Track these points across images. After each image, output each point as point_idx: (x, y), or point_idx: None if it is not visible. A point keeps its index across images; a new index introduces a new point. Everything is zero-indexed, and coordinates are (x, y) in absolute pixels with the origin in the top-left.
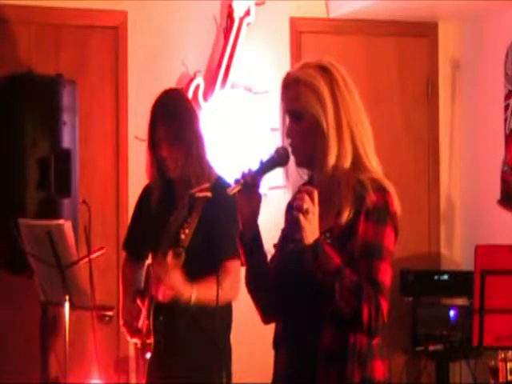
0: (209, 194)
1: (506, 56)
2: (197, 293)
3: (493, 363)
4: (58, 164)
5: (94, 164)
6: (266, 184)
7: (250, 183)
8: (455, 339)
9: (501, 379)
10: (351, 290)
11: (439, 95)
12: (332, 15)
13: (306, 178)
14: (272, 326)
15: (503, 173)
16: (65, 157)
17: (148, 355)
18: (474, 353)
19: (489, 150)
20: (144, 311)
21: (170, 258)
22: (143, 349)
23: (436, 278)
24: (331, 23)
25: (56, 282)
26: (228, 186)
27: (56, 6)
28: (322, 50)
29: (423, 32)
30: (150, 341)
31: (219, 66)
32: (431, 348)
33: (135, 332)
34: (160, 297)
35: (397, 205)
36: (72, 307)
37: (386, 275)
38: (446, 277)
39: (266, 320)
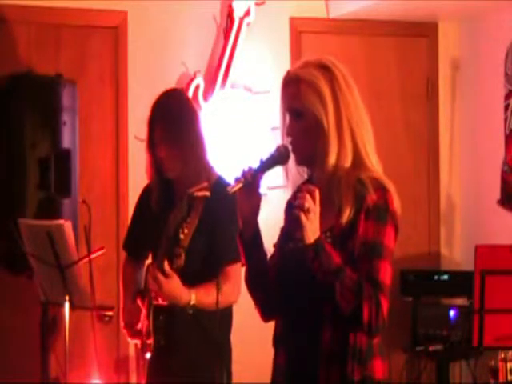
0: (208, 193)
1: (506, 56)
2: (195, 297)
3: (493, 363)
4: (57, 164)
5: (94, 164)
6: (265, 183)
7: (251, 181)
8: (455, 339)
9: (501, 379)
10: (352, 289)
11: (439, 95)
12: (332, 15)
13: (305, 176)
14: (272, 326)
15: (503, 173)
16: (65, 157)
17: (148, 355)
18: (473, 353)
19: (489, 150)
20: (144, 311)
21: (166, 265)
22: (143, 349)
23: (436, 278)
24: (331, 23)
25: (56, 282)
26: (228, 185)
27: (56, 6)
28: (322, 49)
29: (423, 32)
30: (150, 341)
31: (219, 66)
32: (431, 348)
33: (136, 333)
34: (159, 300)
35: (397, 204)
36: (72, 307)
37: (387, 274)
38: (445, 277)
39: (265, 318)
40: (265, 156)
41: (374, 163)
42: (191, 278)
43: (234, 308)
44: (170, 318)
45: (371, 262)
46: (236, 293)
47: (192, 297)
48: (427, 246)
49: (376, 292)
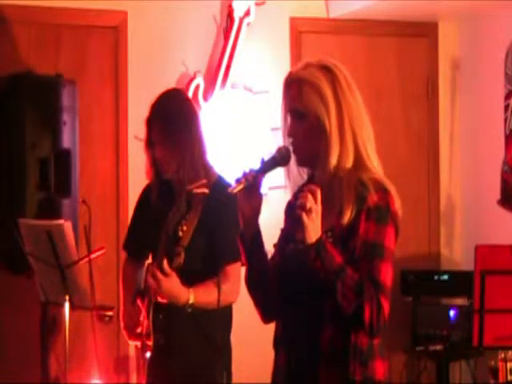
0: (206, 190)
1: (506, 56)
2: (194, 297)
3: (493, 363)
4: (57, 164)
5: (94, 164)
6: (266, 184)
7: (251, 182)
8: (455, 339)
9: (501, 379)
10: (353, 289)
11: (439, 95)
12: (332, 15)
13: (305, 177)
14: (272, 326)
15: (503, 173)
16: (65, 157)
17: (148, 354)
18: (473, 353)
19: (489, 150)
20: (144, 312)
21: (165, 264)
22: (143, 349)
23: (436, 278)
24: (331, 23)
25: (56, 282)
26: (228, 185)
27: (56, 5)
28: (322, 50)
29: (423, 32)
30: (150, 342)
31: (219, 66)
32: (431, 348)
33: (135, 335)
34: (159, 298)
35: (398, 205)
36: (72, 307)
37: (388, 275)
38: (445, 277)
39: (265, 319)
40: (266, 156)
41: (375, 164)
42: (191, 278)
43: (234, 308)
44: (169, 318)
45: (372, 263)
46: (235, 292)
47: (191, 296)
48: (427, 246)
49: (377, 293)
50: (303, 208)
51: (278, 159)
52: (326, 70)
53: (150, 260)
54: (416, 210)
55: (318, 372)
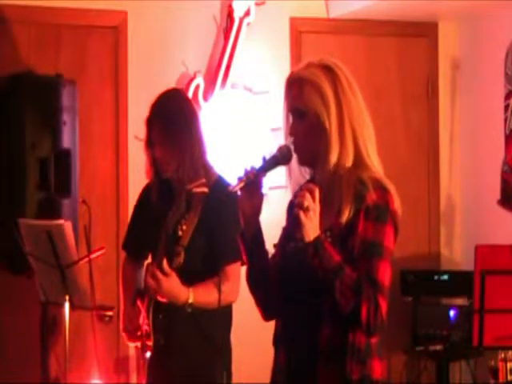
0: (206, 190)
1: (506, 56)
2: (194, 296)
3: (493, 363)
4: (58, 164)
5: (94, 164)
6: (266, 183)
7: (252, 180)
8: (455, 339)
9: (501, 379)
10: (351, 287)
11: (439, 95)
12: (332, 15)
13: (307, 177)
14: (272, 326)
15: (503, 173)
16: (65, 157)
17: (148, 354)
18: (473, 353)
19: (489, 150)
20: (143, 312)
21: (164, 264)
22: (143, 349)
23: (436, 278)
24: (331, 23)
25: (56, 282)
26: (229, 185)
27: (56, 5)
28: (322, 49)
29: (423, 32)
30: (150, 342)
31: (219, 65)
32: (431, 348)
33: (135, 338)
34: (158, 298)
35: (397, 204)
36: (72, 307)
37: (386, 274)
38: (445, 277)
39: (266, 317)
40: (267, 155)
41: (376, 164)
42: (190, 277)
43: (234, 308)
44: (169, 318)
45: (370, 262)
46: (235, 292)
47: (190, 295)
48: (427, 246)
49: (375, 292)
50: (301, 206)
51: (279, 158)
52: (327, 69)
53: (149, 260)
54: (416, 209)
55: (316, 370)
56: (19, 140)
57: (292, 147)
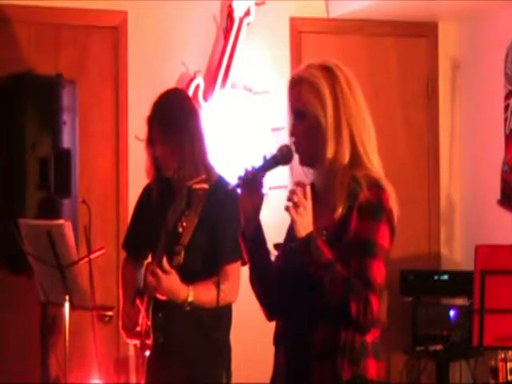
0: (206, 186)
1: (506, 56)
2: (193, 295)
3: (493, 363)
4: (57, 164)
5: (94, 164)
6: (266, 183)
7: (251, 179)
8: (455, 339)
9: (501, 379)
10: (340, 284)
11: (439, 95)
12: (332, 15)
13: (311, 177)
14: (271, 326)
15: (503, 173)
16: (65, 157)
17: (147, 353)
18: (473, 353)
19: (489, 150)
20: (143, 311)
21: (164, 261)
22: (142, 348)
23: (436, 277)
24: (331, 23)
25: (56, 282)
26: (229, 185)
27: (56, 6)
28: (322, 49)
29: (423, 32)
30: (149, 341)
31: (219, 65)
32: (431, 348)
33: (134, 335)
34: (158, 295)
35: (393, 203)
36: (72, 307)
37: (379, 273)
38: (446, 277)
39: (269, 317)
40: (268, 155)
41: (375, 164)
42: (190, 276)
43: (234, 308)
44: (169, 316)
45: (363, 260)
46: (235, 292)
47: (190, 294)
48: (427, 246)
49: (366, 290)
50: (291, 202)
51: (279, 158)
52: (327, 69)
53: (149, 260)
54: (416, 209)
55: (311, 369)
56: (19, 140)
57: (293, 148)
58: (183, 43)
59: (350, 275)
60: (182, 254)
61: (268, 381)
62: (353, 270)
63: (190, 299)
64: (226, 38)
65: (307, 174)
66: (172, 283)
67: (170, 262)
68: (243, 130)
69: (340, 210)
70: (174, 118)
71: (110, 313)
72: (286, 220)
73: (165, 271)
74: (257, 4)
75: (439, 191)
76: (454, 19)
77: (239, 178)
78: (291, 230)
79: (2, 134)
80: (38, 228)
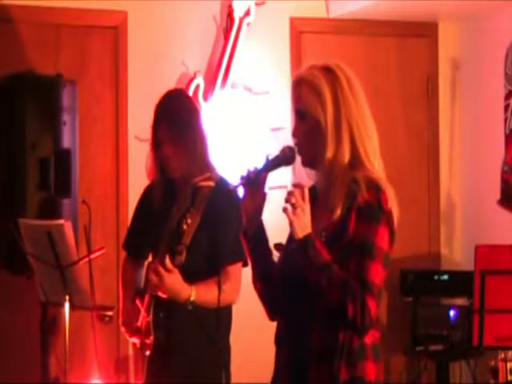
0: (212, 184)
1: (506, 56)
2: (196, 294)
3: (493, 363)
4: (57, 164)
5: (94, 164)
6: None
7: (253, 179)
8: (455, 339)
9: (501, 379)
10: (337, 286)
11: (439, 95)
12: (332, 15)
13: (313, 178)
14: (272, 327)
15: (503, 173)
16: (65, 157)
17: (147, 353)
18: (474, 353)
19: (489, 150)
20: (143, 312)
21: (167, 260)
22: (142, 348)
23: (436, 277)
24: (331, 23)
25: (56, 282)
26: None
27: (56, 5)
28: (322, 49)
29: (423, 32)
30: (149, 340)
31: (219, 65)
32: (431, 348)
33: (134, 331)
34: (159, 294)
35: (392, 204)
36: (72, 307)
37: (377, 274)
38: (445, 277)
39: (271, 317)
40: (271, 155)
41: (376, 166)
42: (192, 277)
43: (234, 308)
44: (170, 316)
45: (361, 262)
46: (236, 292)
47: (192, 293)
48: (427, 246)
49: (363, 292)
50: (289, 204)
51: (282, 159)
52: (328, 70)
53: (149, 260)
54: (416, 209)
55: (309, 370)
56: (19, 140)
57: (295, 149)
58: (183, 43)
59: (348, 277)
60: (184, 253)
61: (268, 381)
62: (351, 271)
63: (192, 298)
64: (226, 38)
65: (310, 175)
66: (174, 282)
67: (171, 261)
68: (243, 130)
69: (338, 212)
70: (181, 118)
71: (109, 313)
72: (286, 220)
73: (167, 270)
74: (257, 4)
75: (439, 191)
76: (454, 19)
77: (241, 178)
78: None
79: (2, 134)
80: (37, 228)
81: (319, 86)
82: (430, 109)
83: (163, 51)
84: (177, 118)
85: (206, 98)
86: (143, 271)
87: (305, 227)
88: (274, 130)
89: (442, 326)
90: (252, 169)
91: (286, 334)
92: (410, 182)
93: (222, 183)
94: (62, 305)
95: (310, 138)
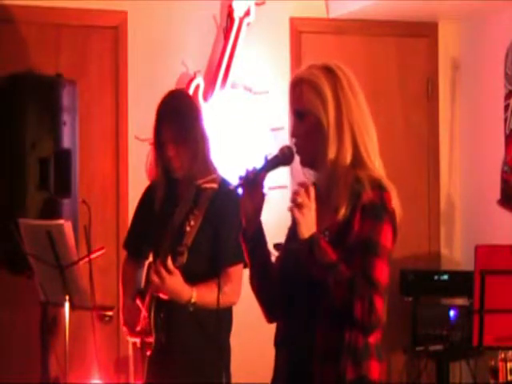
0: (215, 186)
1: (506, 56)
2: (196, 295)
3: (493, 363)
4: (57, 164)
5: (94, 164)
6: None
7: (252, 179)
8: (455, 339)
9: (501, 379)
10: (345, 285)
11: (439, 95)
12: (332, 15)
13: (312, 178)
14: (271, 327)
15: (503, 173)
16: (65, 157)
17: (148, 353)
18: (474, 353)
19: (489, 150)
20: (144, 311)
21: (169, 261)
22: (143, 348)
23: (436, 277)
24: (331, 23)
25: (56, 282)
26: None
27: (56, 5)
28: (322, 49)
29: (423, 32)
30: (150, 340)
31: (219, 65)
32: (431, 348)
33: (136, 332)
34: (160, 295)
35: (395, 203)
36: (72, 307)
37: (382, 273)
38: (445, 277)
39: (270, 319)
40: (270, 155)
41: (377, 165)
42: (193, 278)
43: (234, 308)
44: (171, 317)
45: (366, 260)
46: (236, 294)
47: (193, 294)
48: (427, 246)
49: (370, 290)
50: (295, 203)
51: (281, 159)
52: (328, 70)
53: (150, 260)
54: (416, 209)
55: (313, 370)
56: (19, 140)
57: (294, 149)
58: (183, 43)
59: (354, 276)
60: (186, 254)
61: (268, 381)
62: (356, 270)
63: (193, 300)
64: (226, 38)
65: (307, 175)
66: (176, 284)
67: (173, 261)
68: (243, 130)
69: (343, 211)
70: (184, 118)
71: (110, 313)
72: (286, 220)
73: (169, 271)
74: (257, 4)
75: (439, 191)
76: (454, 19)
77: (240, 179)
78: (291, 231)
79: (2, 134)
80: (37, 228)
81: (320, 85)
82: (430, 109)
83: (163, 51)
84: (180, 117)
85: (206, 98)
86: (144, 271)
87: (310, 227)
88: (273, 129)
89: (442, 326)
90: (251, 169)
91: (285, 335)
92: (410, 182)
93: (224, 185)
94: (62, 305)
95: (310, 137)
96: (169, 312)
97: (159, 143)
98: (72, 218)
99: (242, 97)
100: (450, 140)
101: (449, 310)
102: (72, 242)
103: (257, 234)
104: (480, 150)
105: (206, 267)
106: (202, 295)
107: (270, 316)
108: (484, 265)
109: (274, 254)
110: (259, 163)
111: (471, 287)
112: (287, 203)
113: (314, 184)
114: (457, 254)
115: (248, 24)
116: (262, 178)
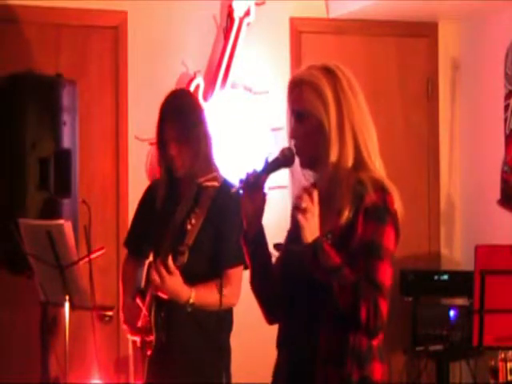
0: (216, 184)
1: (506, 56)
2: (195, 296)
3: (493, 363)
4: (57, 164)
5: (94, 164)
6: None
7: (253, 182)
8: (455, 339)
9: (501, 379)
10: (349, 289)
11: (439, 95)
12: (332, 15)
13: (311, 179)
14: (271, 327)
15: (503, 173)
16: (65, 157)
17: (148, 353)
18: (474, 353)
19: (489, 150)
20: (144, 310)
21: (169, 261)
22: (143, 347)
23: (436, 277)
24: (331, 23)
25: (56, 282)
26: (232, 187)
27: (56, 5)
28: (322, 50)
29: (423, 32)
30: (150, 339)
31: (219, 65)
32: (431, 348)
33: (136, 330)
34: (160, 294)
35: (398, 205)
36: (72, 307)
37: (386, 275)
38: (445, 277)
39: (270, 320)
40: (270, 157)
41: (377, 166)
42: (194, 279)
43: (234, 309)
44: (171, 317)
45: (370, 263)
46: (236, 296)
47: (192, 295)
48: (427, 246)
49: (374, 293)
50: (299, 208)
51: (281, 160)
52: (328, 71)
53: (150, 259)
54: (416, 209)
55: (315, 372)
56: (19, 140)
57: (294, 150)
58: (183, 43)
59: (359, 280)
60: (186, 254)
61: (268, 381)
62: (359, 273)
63: (191, 301)
64: (226, 38)
65: (306, 177)
66: (175, 284)
67: (173, 261)
68: (243, 129)
69: (346, 214)
70: (187, 117)
71: (110, 313)
72: (285, 220)
73: (169, 271)
74: (257, 4)
75: (439, 191)
76: (454, 19)
77: (241, 182)
78: (292, 234)
79: (2, 134)
80: (37, 228)
81: (321, 86)
82: (430, 109)
83: (163, 51)
84: (182, 117)
85: (205, 98)
86: (144, 270)
87: (314, 231)
88: (273, 129)
89: (442, 326)
90: (251, 172)
91: (286, 335)
92: (410, 182)
93: (225, 184)
94: (61, 305)
95: (310, 139)
96: (169, 312)
97: (162, 142)
98: (72, 218)
99: (242, 97)
100: (450, 140)
101: (449, 310)
102: (72, 242)
103: (258, 237)
104: (480, 149)
105: (206, 267)
106: (201, 296)
107: (270, 317)
108: (484, 265)
109: (274, 255)
110: (260, 165)
111: (471, 287)
112: (287, 203)
113: (315, 185)
114: (457, 254)
115: (248, 24)
116: (263, 181)
